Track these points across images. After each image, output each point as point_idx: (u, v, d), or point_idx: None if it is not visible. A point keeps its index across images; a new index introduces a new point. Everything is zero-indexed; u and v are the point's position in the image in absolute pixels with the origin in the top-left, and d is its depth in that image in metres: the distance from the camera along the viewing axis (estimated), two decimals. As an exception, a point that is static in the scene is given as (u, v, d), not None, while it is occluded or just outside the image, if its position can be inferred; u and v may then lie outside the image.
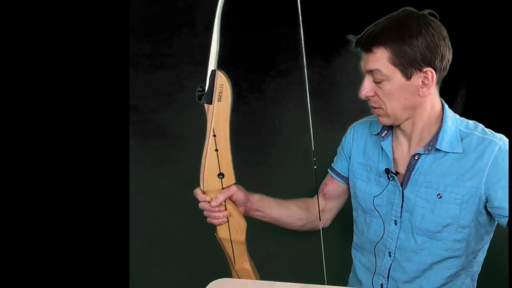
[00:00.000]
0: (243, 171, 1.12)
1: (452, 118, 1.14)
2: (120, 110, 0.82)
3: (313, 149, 1.05)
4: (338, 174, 1.31)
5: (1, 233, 0.73)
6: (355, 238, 1.30)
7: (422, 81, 1.07)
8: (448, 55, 1.08)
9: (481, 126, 1.14)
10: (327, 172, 1.34)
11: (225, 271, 1.16)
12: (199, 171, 1.11)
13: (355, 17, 1.16)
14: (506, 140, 1.10)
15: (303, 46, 1.00)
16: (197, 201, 1.14)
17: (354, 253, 1.31)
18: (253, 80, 1.63)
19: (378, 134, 1.20)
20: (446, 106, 1.15)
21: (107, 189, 0.80)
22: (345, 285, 1.31)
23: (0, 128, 0.74)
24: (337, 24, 1.45)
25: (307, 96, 1.02)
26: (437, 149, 1.12)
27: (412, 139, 1.15)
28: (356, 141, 1.27)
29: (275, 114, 1.68)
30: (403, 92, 1.07)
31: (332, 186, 1.32)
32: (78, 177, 0.78)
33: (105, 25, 0.81)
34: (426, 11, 1.08)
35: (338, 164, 1.31)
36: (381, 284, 1.21)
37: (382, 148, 1.19)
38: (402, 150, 1.17)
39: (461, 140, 1.11)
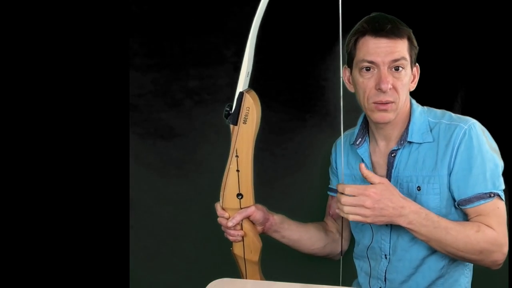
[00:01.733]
0: (259, 189, 1.12)
1: (419, 110, 1.17)
2: (120, 110, 0.82)
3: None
4: (336, 192, 1.31)
5: (1, 232, 0.73)
6: (355, 248, 1.31)
7: (413, 75, 1.14)
8: None
9: (448, 113, 1.17)
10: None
11: (225, 271, 1.16)
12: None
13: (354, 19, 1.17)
14: (473, 122, 1.12)
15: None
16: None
17: (356, 262, 1.31)
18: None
19: (354, 143, 1.22)
20: (413, 100, 1.18)
21: (107, 188, 0.80)
22: None
23: (1, 127, 0.74)
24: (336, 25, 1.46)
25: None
26: (409, 142, 1.14)
27: (392, 138, 1.17)
28: (339, 155, 1.29)
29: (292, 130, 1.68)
30: (408, 84, 1.13)
31: (336, 205, 1.32)
32: (78, 176, 0.78)
33: (105, 25, 0.81)
34: (373, 14, 1.14)
35: (333, 182, 1.33)
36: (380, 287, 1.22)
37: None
38: (380, 152, 1.19)
39: (431, 130, 1.14)
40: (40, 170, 0.76)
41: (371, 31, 1.09)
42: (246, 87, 1.05)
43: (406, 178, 1.14)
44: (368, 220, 1.02)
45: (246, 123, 1.03)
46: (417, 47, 1.13)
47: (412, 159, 1.14)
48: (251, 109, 1.03)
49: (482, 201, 1.07)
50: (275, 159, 1.68)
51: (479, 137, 1.09)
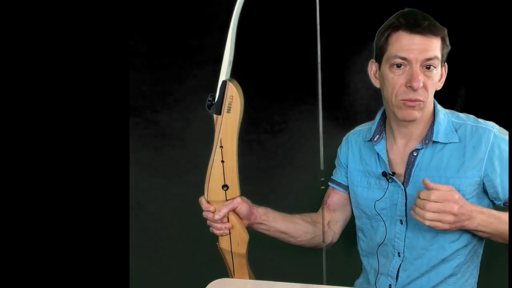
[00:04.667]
0: (248, 183, 1.12)
1: (443, 111, 1.17)
2: (120, 110, 0.82)
3: (321, 168, 1.06)
4: (339, 184, 1.32)
5: (2, 232, 0.73)
6: (362, 245, 1.30)
7: (441, 75, 1.13)
8: None
9: (472, 116, 1.17)
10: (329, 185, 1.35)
11: (225, 271, 1.17)
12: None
13: (365, 17, 1.16)
14: (498, 126, 1.13)
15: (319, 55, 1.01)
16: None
17: (364, 259, 1.31)
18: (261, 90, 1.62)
19: (371, 139, 1.21)
20: (435, 101, 1.17)
21: (107, 189, 0.80)
22: None
23: (1, 128, 0.74)
24: (348, 24, 1.45)
25: (319, 107, 1.03)
26: (434, 142, 1.13)
27: (412, 138, 1.16)
28: (351, 150, 1.28)
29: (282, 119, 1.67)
30: (436, 83, 1.12)
31: (335, 196, 1.32)
32: (78, 177, 0.78)
33: (105, 25, 0.81)
34: (406, 9, 1.13)
35: (338, 174, 1.32)
36: (389, 285, 1.21)
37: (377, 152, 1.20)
38: (398, 150, 1.18)
39: (456, 131, 1.13)
40: (40, 170, 0.76)
41: (406, 27, 1.06)
42: (229, 76, 1.04)
43: (427, 179, 1.13)
44: (446, 226, 1.01)
45: (230, 112, 1.02)
46: (449, 46, 1.10)
47: (436, 159, 1.13)
48: (235, 98, 1.02)
49: None
50: (269, 152, 1.67)
51: (505, 138, 1.11)
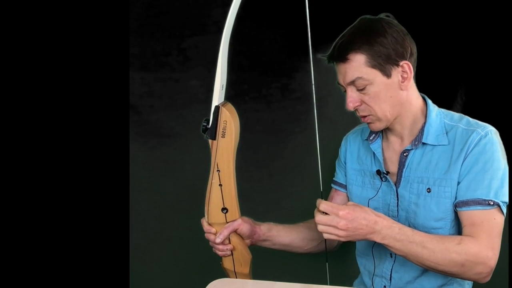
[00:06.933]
0: (249, 191, 1.12)
1: (436, 111, 1.15)
2: (120, 110, 0.82)
3: (320, 178, 1.08)
4: (341, 185, 1.32)
5: (2, 232, 0.73)
6: (357, 245, 1.30)
7: (401, 75, 1.10)
8: (414, 48, 1.12)
9: (466, 118, 1.15)
10: (331, 187, 1.35)
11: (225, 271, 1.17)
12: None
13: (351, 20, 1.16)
14: (491, 129, 1.10)
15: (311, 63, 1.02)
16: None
17: (359, 260, 1.31)
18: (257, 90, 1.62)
19: (367, 138, 1.22)
20: (429, 100, 1.16)
21: (107, 188, 0.80)
22: None
23: (1, 127, 0.74)
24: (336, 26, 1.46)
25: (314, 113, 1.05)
26: (424, 143, 1.13)
27: (403, 137, 1.16)
28: (349, 149, 1.29)
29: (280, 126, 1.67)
30: (388, 91, 1.10)
31: (338, 198, 1.32)
32: (78, 176, 0.78)
33: (105, 25, 0.81)
34: (382, 15, 1.12)
35: (339, 175, 1.33)
36: (384, 286, 1.21)
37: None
38: (393, 149, 1.18)
39: (447, 133, 1.13)
40: (40, 169, 0.76)
41: (329, 59, 1.12)
42: (222, 100, 1.04)
43: (417, 179, 1.13)
44: (342, 239, 1.01)
45: (224, 137, 1.02)
46: (387, 48, 1.07)
47: (425, 160, 1.13)
48: (229, 122, 1.01)
49: (479, 207, 1.05)
50: (273, 159, 1.67)
51: (493, 145, 1.08)
